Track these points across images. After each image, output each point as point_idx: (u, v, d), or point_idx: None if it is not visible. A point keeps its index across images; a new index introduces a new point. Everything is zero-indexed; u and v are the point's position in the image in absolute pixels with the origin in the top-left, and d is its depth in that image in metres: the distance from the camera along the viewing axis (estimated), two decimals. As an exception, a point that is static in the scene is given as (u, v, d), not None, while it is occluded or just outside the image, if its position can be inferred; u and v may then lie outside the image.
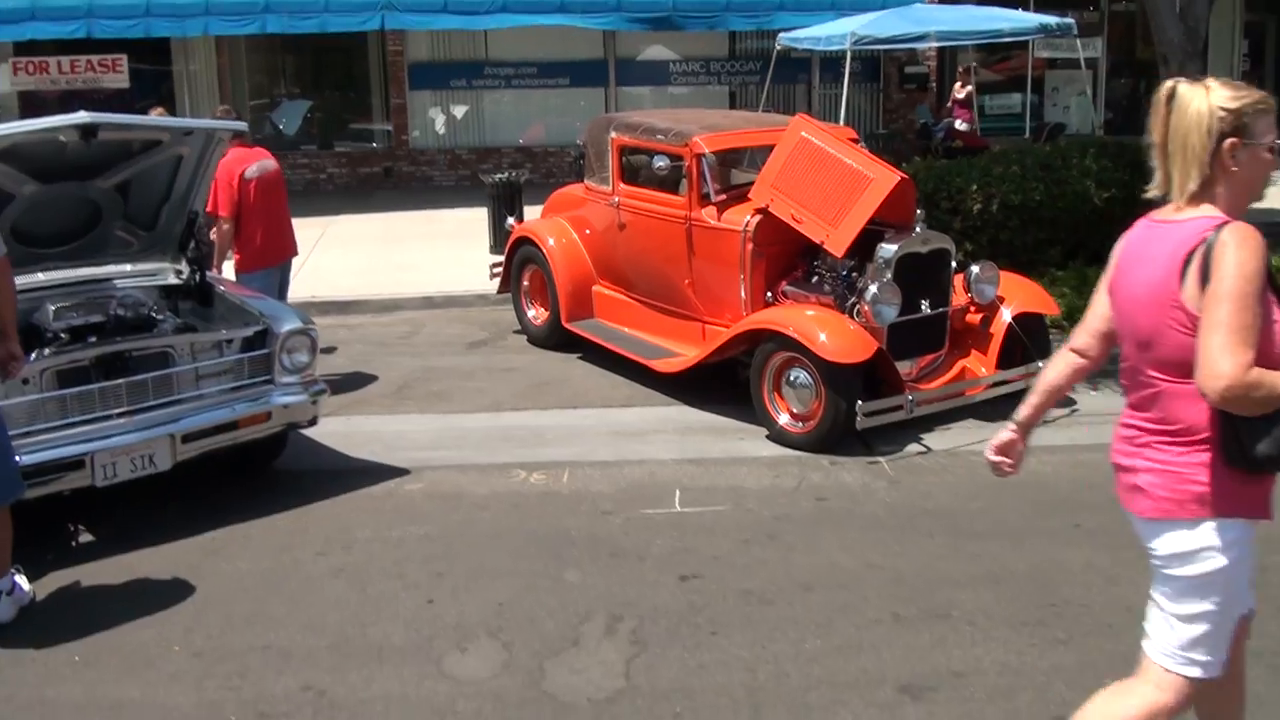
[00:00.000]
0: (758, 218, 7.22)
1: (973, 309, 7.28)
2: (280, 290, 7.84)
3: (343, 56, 17.78)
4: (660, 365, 7.52)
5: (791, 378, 6.66)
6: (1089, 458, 6.49)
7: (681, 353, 7.68)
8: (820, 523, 5.58)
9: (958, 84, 16.82)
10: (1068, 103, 18.87)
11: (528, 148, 17.45)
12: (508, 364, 8.50)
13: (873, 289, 6.62)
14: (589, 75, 17.51)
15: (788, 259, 7.42)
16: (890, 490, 5.99)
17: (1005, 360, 7.20)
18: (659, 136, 7.67)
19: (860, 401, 6.32)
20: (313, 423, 5.96)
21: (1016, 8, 14.87)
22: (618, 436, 6.91)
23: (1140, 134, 3.12)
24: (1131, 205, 10.25)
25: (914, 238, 6.88)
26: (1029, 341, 7.35)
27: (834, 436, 6.48)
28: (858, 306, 6.79)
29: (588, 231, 8.57)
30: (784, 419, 6.70)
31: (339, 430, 6.84)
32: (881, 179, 6.81)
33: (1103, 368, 7.38)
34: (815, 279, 7.28)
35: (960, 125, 16.22)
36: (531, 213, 12.08)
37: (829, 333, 6.44)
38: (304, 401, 5.82)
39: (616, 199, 8.03)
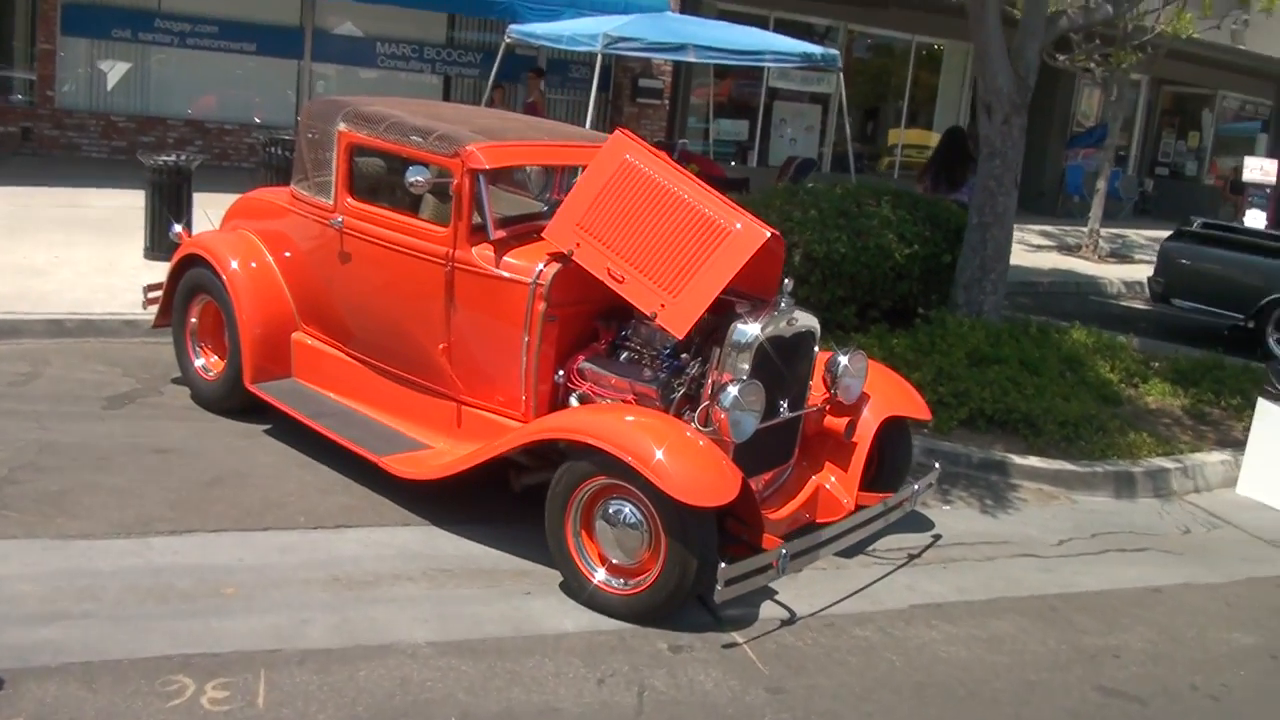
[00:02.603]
0: (555, 267, 4.94)
1: (830, 409, 5.34)
2: None
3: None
4: (398, 467, 5.05)
5: (611, 512, 4.42)
6: (1000, 628, 4.69)
7: (426, 442, 5.27)
8: (699, 799, 3.39)
9: (531, 83, 14.31)
10: (795, 136, 17.75)
11: (199, 121, 14.17)
12: (162, 439, 5.70)
13: (732, 391, 4.50)
14: (280, 43, 14.45)
15: (587, 324, 5.18)
16: (776, 707, 3.88)
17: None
18: (415, 138, 5.20)
19: (722, 564, 4.18)
20: None
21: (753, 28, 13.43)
22: (337, 589, 4.40)
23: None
24: (932, 264, 8.83)
25: (778, 314, 4.84)
26: (894, 454, 5.54)
27: (674, 605, 4.31)
28: (705, 410, 4.67)
29: (289, 255, 5.94)
30: (600, 574, 4.45)
31: None
32: (745, 233, 4.71)
33: (944, 471, 5.02)
34: (626, 356, 5.10)
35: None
36: (206, 205, 9.25)
37: (673, 454, 4.24)
38: None
39: (340, 218, 5.48)
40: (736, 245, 4.68)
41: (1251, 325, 10.02)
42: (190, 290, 6.23)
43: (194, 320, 6.26)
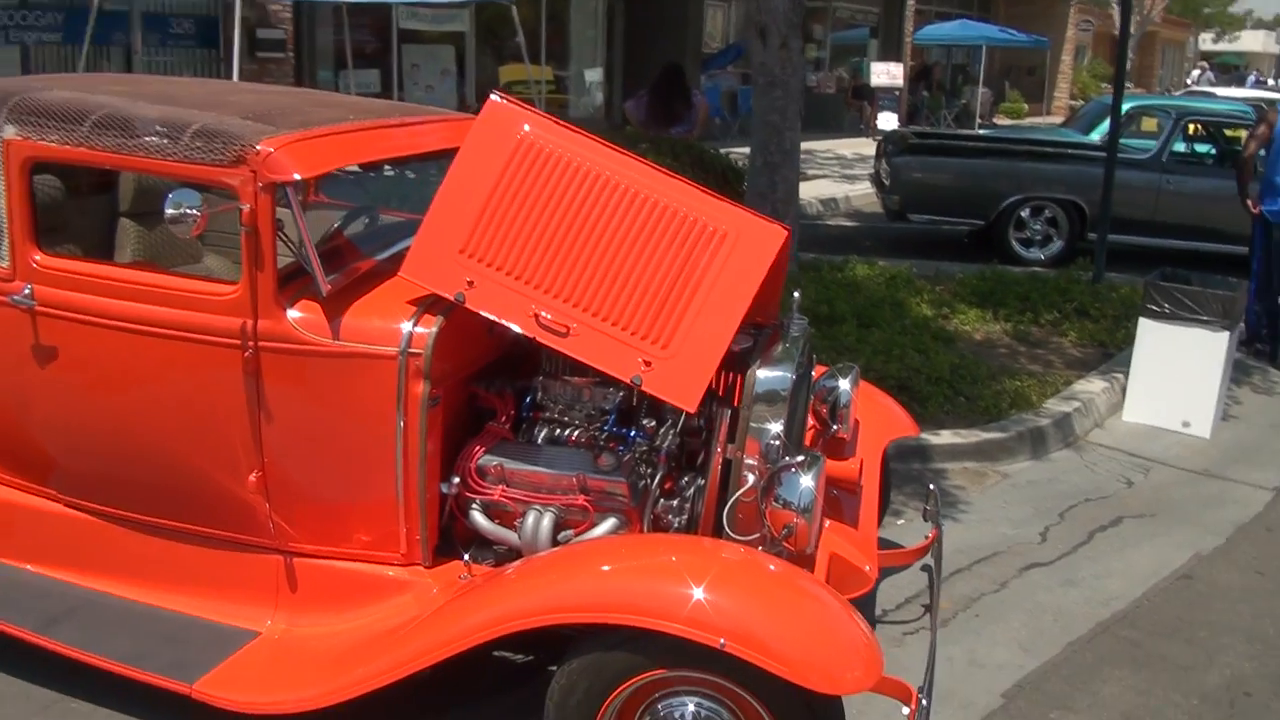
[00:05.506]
0: (434, 324, 2.98)
1: (823, 447, 3.75)
2: None
3: None
4: (226, 696, 2.88)
5: (669, 714, 2.62)
6: (1120, 699, 3.42)
7: (244, 627, 3.15)
8: None
9: None
10: (431, 83, 15.66)
11: None
12: None
13: (805, 481, 2.83)
14: None
15: (464, 397, 3.28)
16: None
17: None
18: (153, 140, 2.94)
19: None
20: None
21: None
22: None
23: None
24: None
25: (790, 344, 3.19)
26: (884, 487, 4.11)
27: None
28: (737, 509, 2.95)
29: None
30: (679, 829, 2.65)
31: None
32: (753, 233, 3.00)
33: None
34: (547, 434, 3.24)
35: None
36: None
37: (777, 614, 2.54)
38: None
39: (28, 289, 3.12)
40: (746, 253, 2.96)
41: (991, 229, 9.53)
42: None
43: None
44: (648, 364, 2.91)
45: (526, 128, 3.07)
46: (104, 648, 3.05)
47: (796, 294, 3.28)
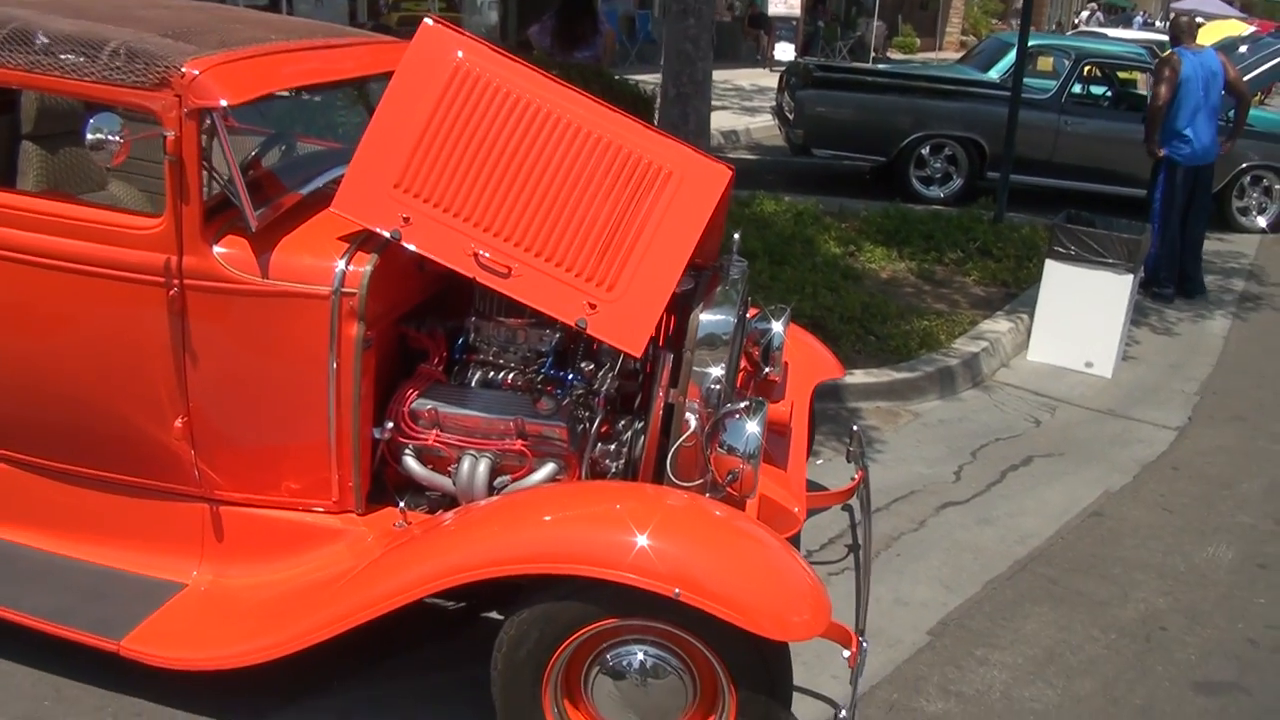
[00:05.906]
0: (368, 263, 2.90)
1: (754, 388, 3.79)
2: None
3: None
4: (155, 652, 2.79)
5: (612, 664, 2.66)
6: (1039, 635, 3.59)
7: (169, 579, 3.07)
8: None
9: None
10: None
11: None
12: None
13: (749, 425, 2.86)
14: None
15: (396, 338, 3.22)
16: None
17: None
18: (70, 58, 2.73)
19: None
20: None
21: None
22: None
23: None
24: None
25: (730, 287, 3.19)
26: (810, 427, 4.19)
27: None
28: (681, 454, 2.96)
29: None
30: (631, 776, 2.69)
31: None
32: (698, 172, 2.97)
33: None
34: (480, 376, 3.20)
35: None
36: None
37: (727, 562, 2.58)
38: None
39: (-79, 221, 2.95)
40: (692, 193, 2.94)
41: (892, 165, 9.67)
42: None
43: None
44: (593, 307, 2.88)
45: (461, 54, 2.97)
46: (24, 604, 2.94)
47: (737, 235, 3.28)
